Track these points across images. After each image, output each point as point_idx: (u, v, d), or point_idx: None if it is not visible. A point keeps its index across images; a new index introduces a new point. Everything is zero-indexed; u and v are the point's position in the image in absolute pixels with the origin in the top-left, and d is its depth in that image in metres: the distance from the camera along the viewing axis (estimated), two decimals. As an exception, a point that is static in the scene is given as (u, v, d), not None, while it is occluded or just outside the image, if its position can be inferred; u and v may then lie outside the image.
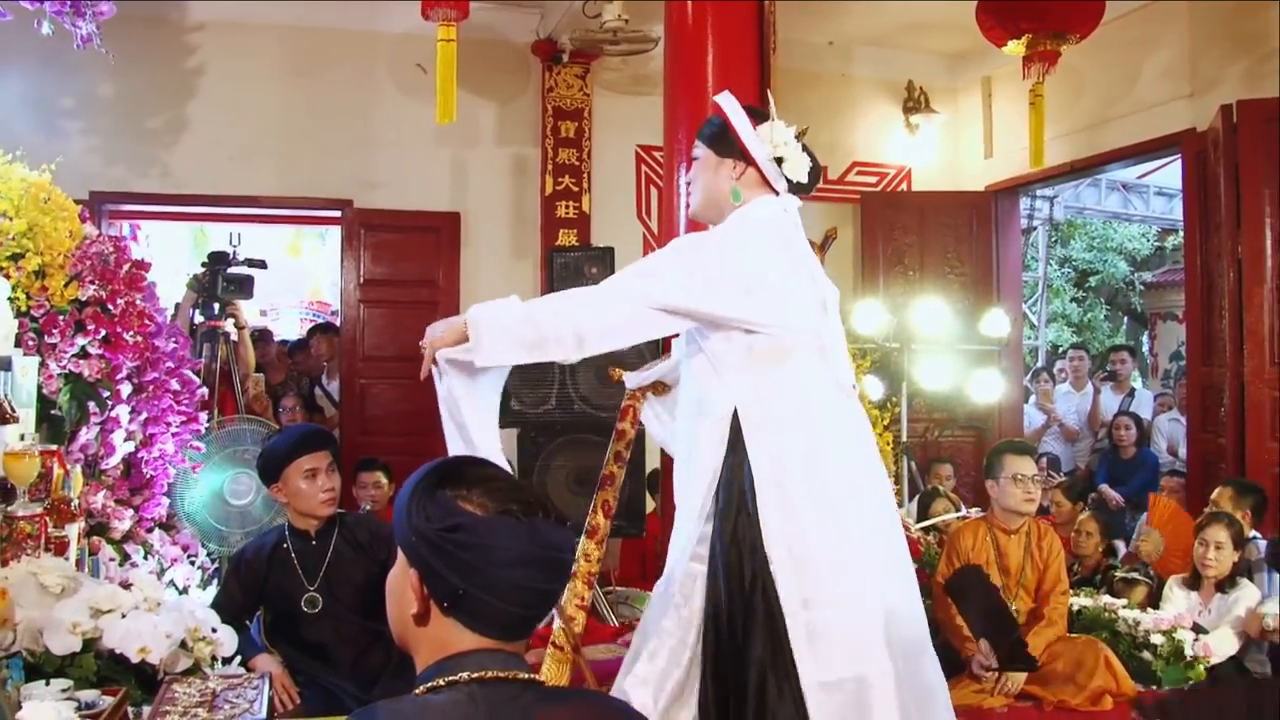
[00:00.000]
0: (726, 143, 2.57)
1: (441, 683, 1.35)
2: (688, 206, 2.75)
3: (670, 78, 4.75)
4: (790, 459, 2.38)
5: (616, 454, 2.96)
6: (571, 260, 4.70)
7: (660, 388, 2.91)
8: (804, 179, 2.56)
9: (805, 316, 2.49)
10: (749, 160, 2.55)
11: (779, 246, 2.49)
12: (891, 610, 2.39)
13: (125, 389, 3.62)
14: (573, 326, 2.33)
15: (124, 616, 2.70)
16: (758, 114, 2.60)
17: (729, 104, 2.60)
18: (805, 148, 2.58)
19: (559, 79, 7.07)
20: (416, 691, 1.37)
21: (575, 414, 4.54)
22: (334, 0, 6.50)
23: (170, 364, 3.97)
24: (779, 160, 2.53)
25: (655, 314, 2.36)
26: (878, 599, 2.38)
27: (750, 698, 2.29)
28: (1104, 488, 6.99)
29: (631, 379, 2.92)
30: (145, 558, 3.74)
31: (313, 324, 8.95)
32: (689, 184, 2.69)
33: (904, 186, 7.98)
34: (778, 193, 2.58)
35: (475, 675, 1.35)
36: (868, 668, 2.31)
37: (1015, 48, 5.34)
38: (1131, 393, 8.13)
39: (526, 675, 1.38)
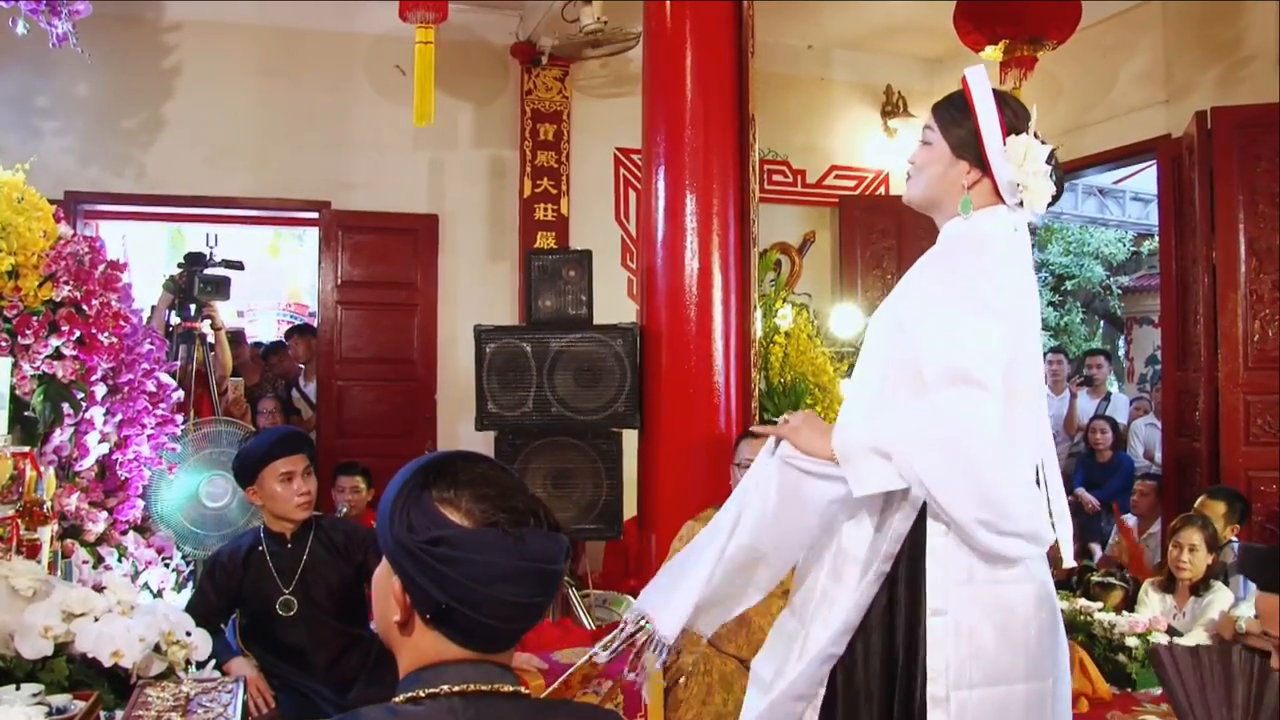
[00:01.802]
0: (967, 142, 2.16)
1: (422, 694, 1.32)
2: (907, 181, 2.30)
3: (649, 80, 4.76)
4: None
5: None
6: (549, 263, 4.69)
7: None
8: (1040, 211, 2.18)
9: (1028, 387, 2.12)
10: (988, 171, 2.15)
11: (1015, 301, 2.11)
12: None
13: (100, 390, 3.59)
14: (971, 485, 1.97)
15: (97, 620, 2.67)
16: (1018, 116, 2.18)
17: (982, 95, 2.15)
18: (1055, 169, 2.17)
19: (538, 81, 7.07)
20: (395, 700, 1.34)
21: (552, 416, 4.54)
22: (312, 1, 6.48)
23: (146, 365, 3.93)
24: (1021, 186, 2.14)
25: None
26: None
27: None
28: (1080, 491, 7.03)
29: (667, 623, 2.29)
30: (119, 560, 3.70)
31: (290, 325, 8.91)
32: (911, 162, 2.28)
33: (882, 190, 8.00)
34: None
35: (457, 688, 1.32)
36: None
37: (992, 53, 5.37)
38: (1108, 397, 8.18)
39: (511, 688, 1.35)
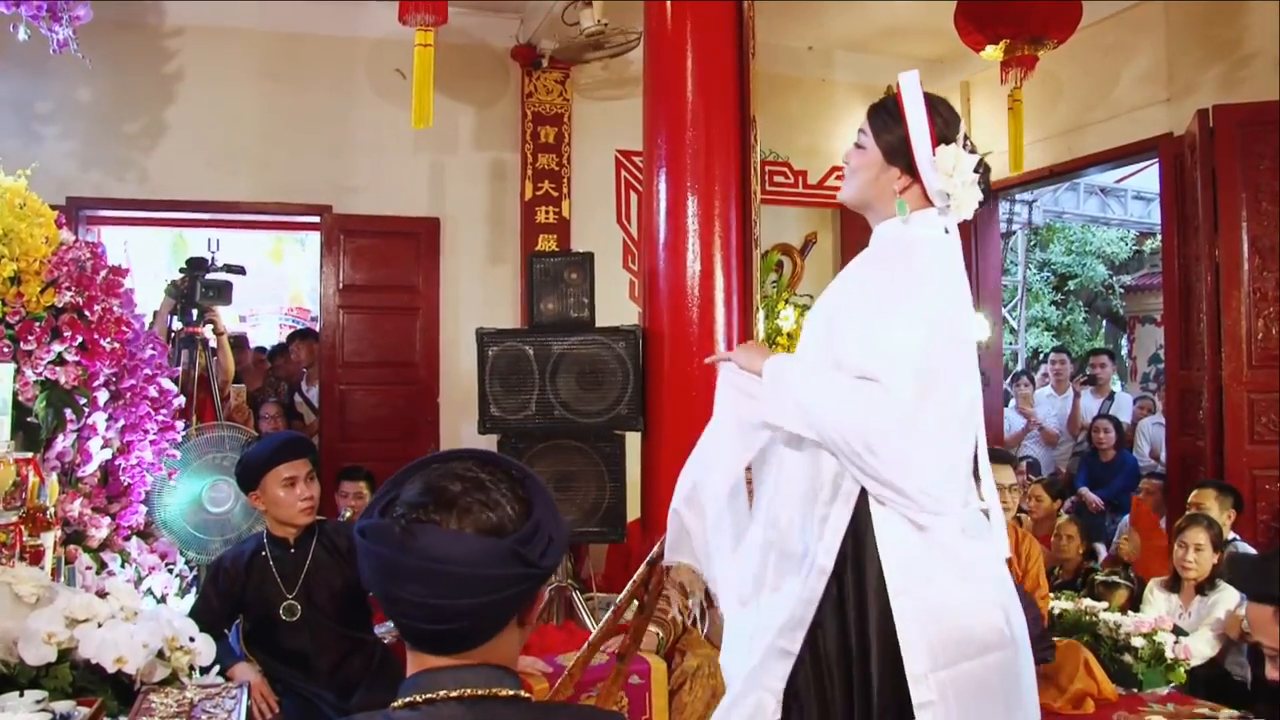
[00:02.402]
0: (899, 150, 2.22)
1: (419, 699, 1.31)
2: (842, 181, 2.38)
3: (649, 82, 4.75)
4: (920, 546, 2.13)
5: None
6: (551, 266, 4.68)
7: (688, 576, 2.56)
8: (968, 216, 2.23)
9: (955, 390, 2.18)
10: (916, 177, 2.21)
11: (947, 309, 2.18)
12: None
13: (102, 396, 3.59)
14: (858, 443, 2.06)
15: (100, 626, 2.67)
16: (949, 124, 2.21)
17: (913, 103, 2.19)
18: (983, 177, 2.23)
19: (538, 84, 7.07)
20: (393, 705, 1.33)
21: (555, 419, 4.53)
22: (312, 5, 6.49)
23: (148, 371, 3.93)
24: (949, 195, 2.19)
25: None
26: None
27: None
28: (1084, 490, 7.02)
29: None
30: (122, 566, 3.70)
31: (292, 330, 8.91)
32: (845, 163, 2.35)
33: (884, 191, 7.98)
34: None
35: (454, 693, 1.30)
36: None
37: (993, 53, 5.36)
38: (1111, 396, 8.17)
39: (510, 691, 1.33)
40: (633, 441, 4.71)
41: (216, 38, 6.44)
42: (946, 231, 2.25)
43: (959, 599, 2.11)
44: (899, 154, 2.22)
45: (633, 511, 4.81)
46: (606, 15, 6.01)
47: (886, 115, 2.25)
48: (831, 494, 2.16)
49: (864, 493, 2.11)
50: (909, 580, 2.08)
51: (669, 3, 4.58)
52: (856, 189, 2.32)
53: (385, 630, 3.69)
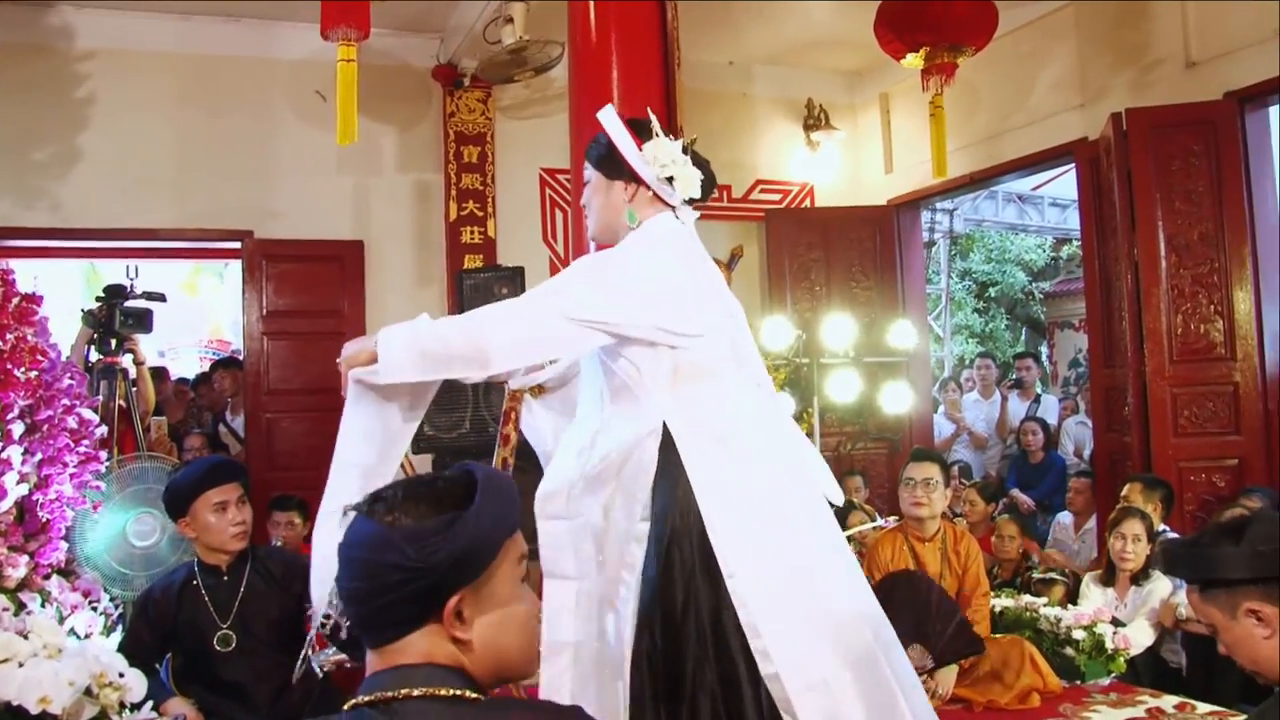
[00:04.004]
0: (614, 164, 2.50)
1: (364, 698, 1.33)
2: (586, 229, 2.68)
3: (575, 94, 4.73)
4: (733, 478, 2.33)
5: (503, 461, 2.90)
6: (481, 281, 4.64)
7: (538, 390, 2.84)
8: (696, 193, 2.50)
9: (715, 324, 2.44)
10: (639, 180, 2.48)
11: (680, 256, 2.44)
12: (851, 613, 2.37)
13: (17, 429, 3.44)
14: (479, 341, 2.25)
15: (21, 665, 2.55)
16: (642, 129, 2.51)
17: (611, 123, 2.50)
18: (696, 157, 2.52)
19: (460, 103, 7.02)
20: (346, 706, 1.33)
21: (489, 437, 4.45)
22: (228, 27, 6.37)
23: (67, 401, 3.79)
24: (669, 179, 2.46)
25: (564, 325, 2.28)
26: (842, 605, 2.36)
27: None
28: (1015, 492, 7.11)
29: (515, 380, 2.81)
30: (43, 606, 3.55)
31: (213, 361, 8.70)
32: (584, 206, 2.63)
33: (807, 203, 8.07)
34: (674, 207, 2.51)
35: (412, 691, 1.31)
36: (831, 674, 2.26)
37: (914, 60, 5.43)
38: (1037, 399, 8.30)
39: (452, 691, 1.32)
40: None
41: (129, 61, 6.30)
42: (683, 224, 2.52)
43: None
44: (613, 167, 2.49)
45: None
46: (528, 31, 5.99)
47: (596, 145, 2.56)
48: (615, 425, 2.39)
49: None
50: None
51: (593, 14, 4.56)
52: (595, 215, 2.58)
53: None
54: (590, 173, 2.57)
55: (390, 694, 1.30)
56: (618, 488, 2.37)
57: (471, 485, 1.36)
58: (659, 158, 2.45)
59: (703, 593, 2.26)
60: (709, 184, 2.53)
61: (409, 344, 2.24)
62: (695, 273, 2.46)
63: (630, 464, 2.35)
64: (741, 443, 2.38)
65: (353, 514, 1.37)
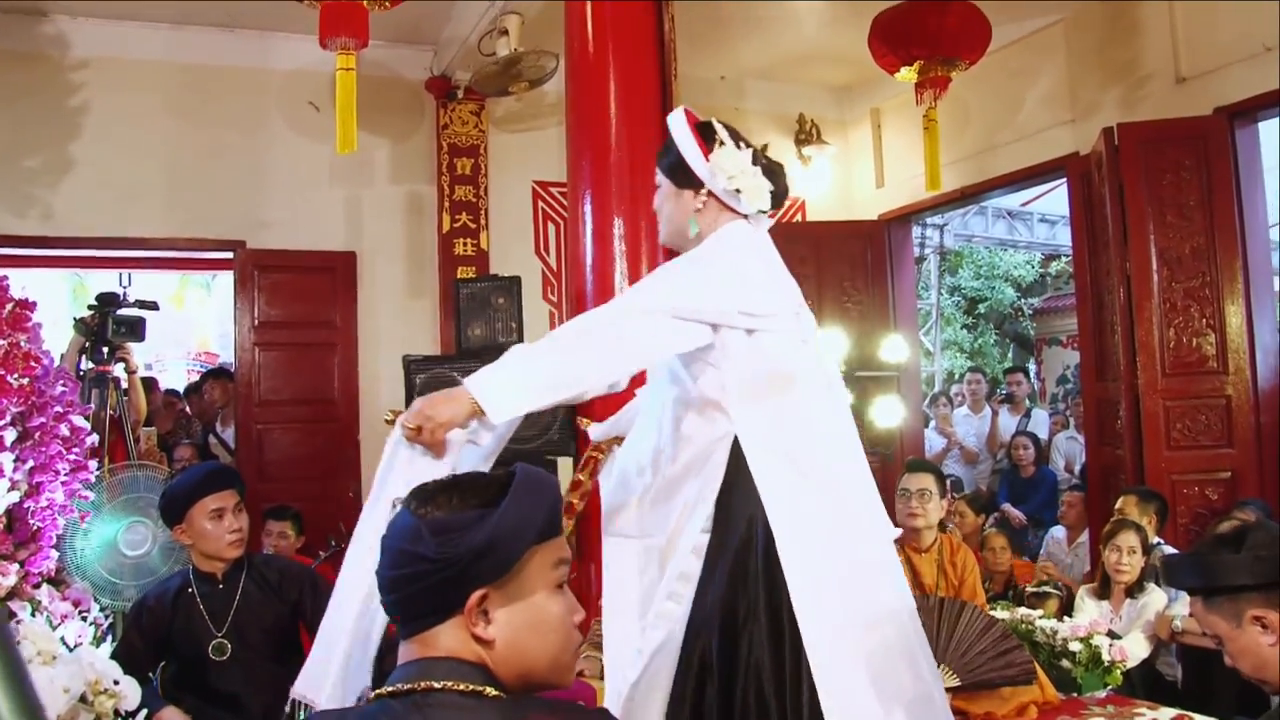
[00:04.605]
0: (683, 171, 2.43)
1: (399, 687, 1.33)
2: (659, 233, 2.60)
3: (572, 105, 4.73)
4: (803, 499, 2.27)
5: (568, 505, 2.84)
6: (478, 291, 4.62)
7: (618, 441, 2.74)
8: (766, 206, 2.42)
9: (788, 322, 2.39)
10: (708, 190, 2.42)
11: (755, 254, 2.40)
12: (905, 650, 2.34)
13: (9, 435, 3.41)
14: (589, 354, 2.19)
15: (17, 671, 2.52)
16: (710, 136, 2.42)
17: (679, 130, 2.44)
18: (767, 165, 2.43)
19: (454, 115, 7.03)
20: (372, 694, 1.35)
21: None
22: (222, 37, 6.37)
23: (59, 409, 3.76)
24: (736, 190, 2.38)
25: (668, 321, 2.21)
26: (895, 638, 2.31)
27: None
28: (1006, 507, 7.12)
29: (597, 430, 2.76)
30: (33, 615, 3.51)
31: (202, 373, 8.65)
32: (656, 210, 2.57)
33: (799, 217, 8.09)
34: (746, 215, 2.45)
35: (423, 685, 1.32)
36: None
37: (907, 74, 5.46)
38: (1028, 413, 8.33)
39: (465, 687, 1.32)
40: (566, 466, 4.64)
41: (123, 70, 6.28)
42: (755, 232, 2.45)
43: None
44: (683, 174, 2.44)
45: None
46: (522, 44, 6.00)
47: (664, 150, 2.50)
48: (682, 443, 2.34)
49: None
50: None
51: (590, 26, 4.57)
52: (665, 222, 2.54)
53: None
54: (660, 179, 2.52)
55: (412, 685, 1.31)
56: (684, 498, 2.33)
57: (509, 484, 1.37)
58: (726, 169, 2.37)
59: (763, 606, 2.21)
60: (780, 195, 2.46)
61: (506, 382, 2.13)
62: (770, 270, 2.42)
63: (698, 474, 2.31)
64: (812, 461, 2.32)
65: (400, 507, 1.41)
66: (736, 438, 2.28)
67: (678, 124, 2.45)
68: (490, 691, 1.32)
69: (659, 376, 2.46)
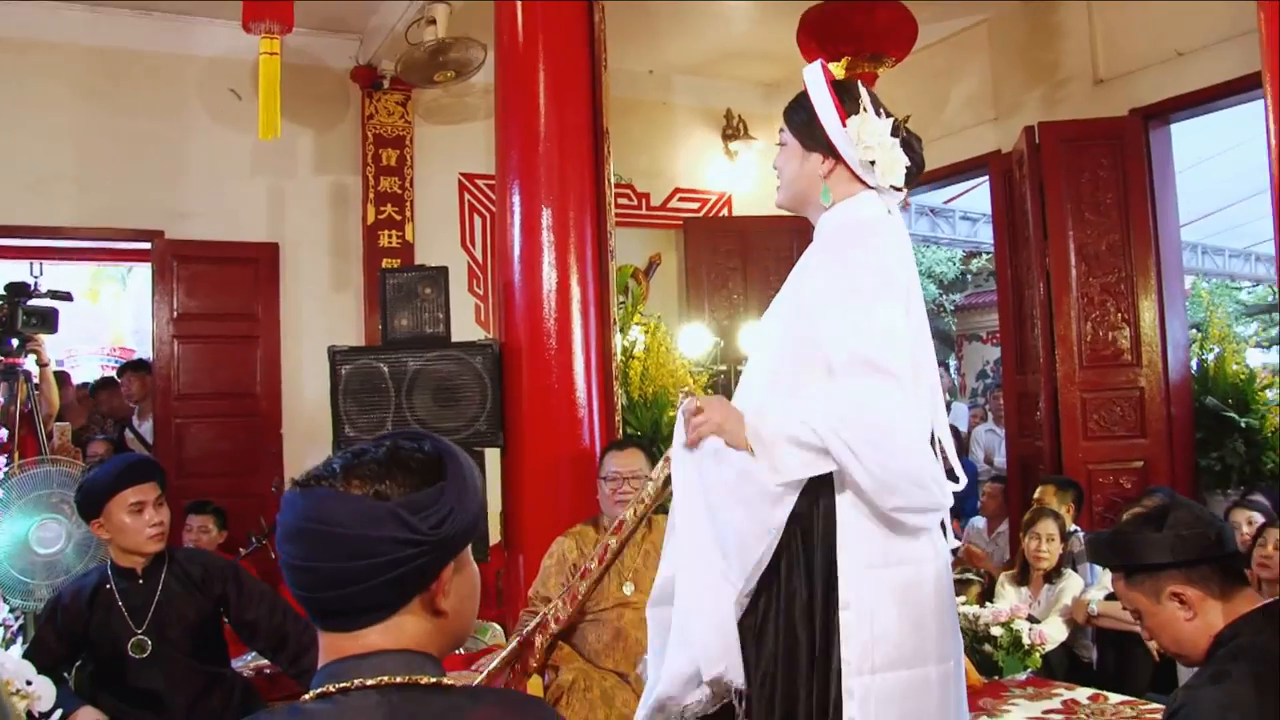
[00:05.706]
0: (814, 133, 2.22)
1: (332, 688, 1.23)
2: (777, 190, 2.38)
3: (501, 95, 4.70)
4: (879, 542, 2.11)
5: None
6: (405, 281, 4.57)
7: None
8: (899, 181, 2.23)
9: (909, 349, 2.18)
10: (838, 156, 2.22)
11: (900, 262, 2.19)
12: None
13: (-86, 430, 3.30)
14: (873, 463, 2.00)
15: (-74, 671, 2.43)
16: (850, 99, 2.21)
17: (816, 86, 2.22)
18: (907, 138, 2.24)
19: (379, 106, 6.93)
20: (304, 697, 1.24)
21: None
22: (140, 21, 6.20)
23: (-34, 402, 3.64)
24: (870, 162, 2.19)
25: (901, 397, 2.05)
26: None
27: None
28: (928, 498, 7.22)
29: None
30: (-61, 617, 3.40)
31: (120, 366, 8.44)
32: (775, 168, 2.37)
33: (725, 212, 8.13)
34: (874, 187, 2.25)
35: (371, 681, 1.23)
36: None
37: (835, 70, 5.50)
38: (948, 406, 8.46)
39: (430, 679, 1.26)
40: (493, 458, 4.62)
41: (35, 53, 6.06)
42: (890, 213, 2.26)
43: (903, 606, 2.09)
44: (815, 138, 2.23)
45: (494, 533, 4.70)
46: (451, 33, 5.94)
47: (796, 106, 2.28)
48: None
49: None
50: (859, 590, 2.06)
51: (520, 17, 4.54)
52: (786, 185, 2.33)
53: (243, 663, 3.49)
54: (787, 136, 2.30)
55: (383, 680, 1.24)
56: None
57: (433, 453, 1.31)
58: (864, 138, 2.18)
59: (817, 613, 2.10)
60: (915, 171, 2.26)
61: (803, 459, 2.03)
62: (912, 286, 2.22)
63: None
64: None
65: (295, 489, 1.28)
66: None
67: (815, 80, 2.23)
68: (446, 681, 1.28)
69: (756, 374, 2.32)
